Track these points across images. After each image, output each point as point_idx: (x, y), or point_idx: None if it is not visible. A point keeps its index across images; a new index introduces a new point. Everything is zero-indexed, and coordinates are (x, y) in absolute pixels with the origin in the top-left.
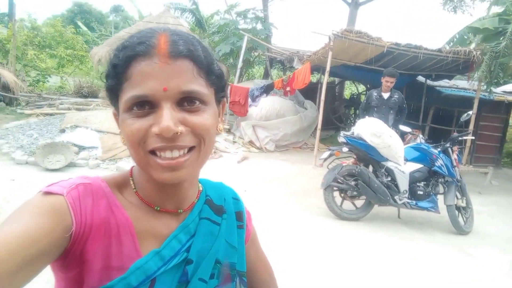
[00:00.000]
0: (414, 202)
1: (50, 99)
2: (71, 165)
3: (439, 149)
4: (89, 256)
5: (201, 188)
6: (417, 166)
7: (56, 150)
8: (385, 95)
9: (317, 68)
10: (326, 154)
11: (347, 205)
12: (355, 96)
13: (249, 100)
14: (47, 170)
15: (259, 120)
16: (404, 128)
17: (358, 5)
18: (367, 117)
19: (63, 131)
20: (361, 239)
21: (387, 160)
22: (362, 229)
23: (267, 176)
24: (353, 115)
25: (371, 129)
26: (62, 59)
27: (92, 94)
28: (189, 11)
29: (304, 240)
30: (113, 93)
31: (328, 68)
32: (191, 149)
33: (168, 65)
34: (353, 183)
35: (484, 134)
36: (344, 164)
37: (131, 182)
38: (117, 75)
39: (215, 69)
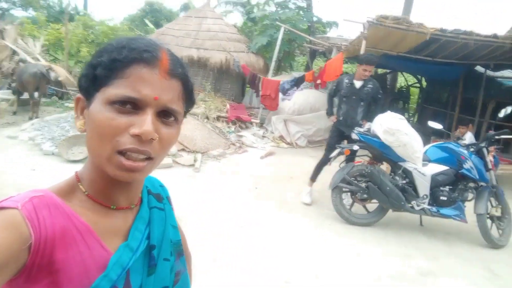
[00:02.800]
0: (435, 208)
1: None
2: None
3: (472, 149)
4: (60, 265)
5: None
6: (442, 168)
7: (81, 142)
8: (357, 84)
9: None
10: (335, 152)
11: (359, 208)
12: (404, 89)
13: (280, 94)
14: (69, 161)
15: (291, 114)
16: (433, 124)
17: None
18: (330, 102)
19: None
20: (367, 249)
21: (404, 160)
22: (372, 236)
23: (288, 173)
24: (402, 109)
25: (384, 125)
26: None
27: None
28: (240, 4)
29: (297, 246)
30: (96, 81)
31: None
32: (150, 158)
33: (165, 80)
34: (363, 184)
35: None
36: (356, 164)
37: (81, 187)
38: (112, 69)
39: (193, 96)
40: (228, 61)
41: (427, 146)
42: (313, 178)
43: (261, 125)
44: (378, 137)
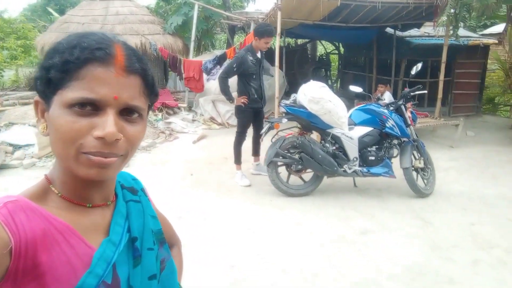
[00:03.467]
0: (366, 169)
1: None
2: (3, 166)
3: (391, 108)
4: (45, 268)
5: None
6: (367, 129)
7: None
8: (259, 55)
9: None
10: (265, 128)
11: (296, 180)
12: (324, 57)
13: (204, 74)
14: None
15: (218, 94)
16: (354, 88)
17: None
18: (227, 85)
19: None
20: (309, 218)
21: (332, 127)
22: (312, 205)
23: (223, 154)
24: (324, 77)
25: (309, 95)
26: (14, 50)
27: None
28: None
29: (239, 228)
30: (50, 84)
31: (278, 30)
32: (120, 155)
33: (123, 77)
34: (297, 156)
35: (461, 82)
36: (287, 136)
37: (53, 189)
38: (65, 71)
39: (155, 89)
40: (144, 45)
41: (351, 110)
42: (237, 161)
43: (189, 108)
44: (304, 107)
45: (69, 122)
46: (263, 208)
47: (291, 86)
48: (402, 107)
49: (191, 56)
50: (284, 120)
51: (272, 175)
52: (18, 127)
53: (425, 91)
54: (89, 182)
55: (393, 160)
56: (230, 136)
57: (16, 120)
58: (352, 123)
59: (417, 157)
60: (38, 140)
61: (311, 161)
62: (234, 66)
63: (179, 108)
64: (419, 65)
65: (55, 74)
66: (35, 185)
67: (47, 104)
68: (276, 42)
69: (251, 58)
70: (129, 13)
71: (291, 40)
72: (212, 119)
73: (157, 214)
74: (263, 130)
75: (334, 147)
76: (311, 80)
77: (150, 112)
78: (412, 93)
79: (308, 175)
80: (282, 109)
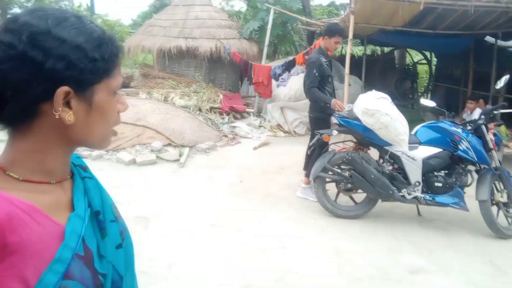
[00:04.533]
0: (430, 197)
1: None
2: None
3: (468, 128)
4: (15, 247)
5: None
6: (434, 150)
7: None
8: (329, 57)
9: (358, 37)
10: (315, 139)
11: (347, 199)
12: (410, 67)
13: (273, 80)
14: None
15: (287, 101)
16: (426, 102)
17: None
18: (319, 92)
19: None
20: (350, 246)
21: (390, 144)
22: (359, 230)
23: (280, 163)
24: (410, 89)
25: (362, 106)
26: None
27: (124, 85)
28: None
29: (274, 246)
30: (98, 74)
31: (350, 35)
32: None
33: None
34: (347, 173)
35: None
36: (340, 151)
37: (12, 174)
38: (113, 61)
39: None
40: (218, 50)
41: (417, 127)
42: (308, 175)
43: (258, 114)
44: (359, 120)
45: (114, 106)
46: (303, 226)
47: None
48: (483, 127)
49: (264, 62)
50: (335, 132)
51: (318, 192)
52: None
53: (511, 110)
54: (66, 154)
55: (468, 189)
56: (294, 145)
57: None
58: (416, 142)
59: (499, 189)
60: None
61: (362, 180)
62: (315, 72)
63: (249, 113)
64: (505, 78)
65: (105, 64)
66: None
67: (82, 93)
68: (348, 48)
69: (324, 59)
70: (208, 18)
71: (377, 48)
72: (279, 126)
73: None
74: (312, 142)
75: (392, 167)
76: (373, 90)
77: (217, 115)
78: (495, 111)
79: (360, 195)
80: (335, 120)
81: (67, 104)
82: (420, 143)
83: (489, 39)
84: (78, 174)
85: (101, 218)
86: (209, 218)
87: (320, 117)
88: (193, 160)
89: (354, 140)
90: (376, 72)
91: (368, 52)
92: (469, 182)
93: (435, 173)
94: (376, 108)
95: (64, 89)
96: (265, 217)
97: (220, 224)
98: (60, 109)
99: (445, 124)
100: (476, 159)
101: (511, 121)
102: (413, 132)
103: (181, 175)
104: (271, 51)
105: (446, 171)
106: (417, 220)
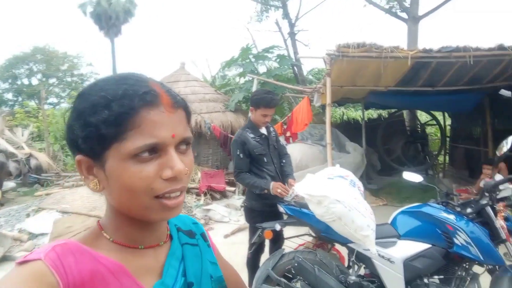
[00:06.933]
0: None
1: (67, 177)
2: (7, 258)
3: (469, 211)
4: None
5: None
6: (420, 246)
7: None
8: (264, 131)
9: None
10: (255, 237)
11: None
12: (418, 128)
13: None
14: None
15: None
16: (409, 176)
17: (417, 19)
18: (250, 178)
19: (28, 215)
20: None
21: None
22: None
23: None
24: (420, 153)
25: (304, 191)
26: None
27: None
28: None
29: None
30: (103, 140)
31: (328, 100)
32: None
33: (173, 114)
34: (298, 285)
35: None
36: (287, 251)
37: (105, 234)
38: (120, 124)
39: (191, 118)
40: (199, 124)
41: (395, 212)
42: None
43: (243, 192)
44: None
45: (136, 172)
46: None
47: (383, 165)
48: (488, 209)
49: None
50: (278, 227)
51: None
52: (46, 213)
53: None
54: (145, 224)
55: None
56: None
57: (49, 205)
58: (394, 234)
59: None
60: (53, 229)
61: None
62: (238, 153)
63: (233, 191)
64: (510, 139)
65: (109, 129)
66: (87, 231)
67: (97, 160)
68: (327, 114)
69: (252, 135)
70: (190, 93)
71: (383, 112)
72: None
73: (220, 262)
74: (253, 240)
75: (361, 275)
76: (329, 166)
77: (193, 196)
78: (501, 186)
79: None
80: (281, 209)
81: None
82: (400, 237)
83: (504, 92)
84: (179, 240)
85: None
86: None
87: (257, 207)
88: None
89: (313, 234)
90: (379, 137)
91: (375, 115)
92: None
93: (425, 280)
94: (322, 194)
95: (78, 157)
96: None
97: None
98: (83, 177)
99: (432, 209)
100: (482, 258)
101: None
102: (389, 221)
103: None
104: None
105: (442, 276)
106: None
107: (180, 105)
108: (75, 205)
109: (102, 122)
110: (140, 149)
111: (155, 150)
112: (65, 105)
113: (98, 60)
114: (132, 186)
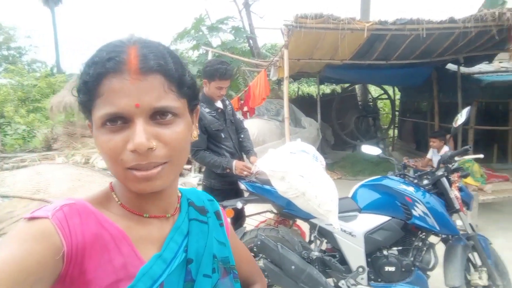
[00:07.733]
0: (381, 286)
1: (6, 158)
2: None
3: (426, 183)
4: (91, 275)
5: (179, 194)
6: (380, 219)
7: None
8: (220, 105)
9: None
10: None
11: None
12: (370, 103)
13: None
14: None
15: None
16: (368, 149)
17: None
18: (210, 156)
19: None
20: None
21: (315, 217)
22: None
23: None
24: (372, 127)
25: (267, 167)
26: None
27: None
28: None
29: None
30: (86, 107)
31: (286, 73)
32: (164, 163)
33: (139, 81)
34: (261, 262)
35: None
36: (248, 229)
37: (114, 196)
38: (88, 91)
39: (186, 80)
40: None
41: (355, 186)
42: None
43: (199, 170)
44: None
45: (105, 141)
46: None
47: (337, 140)
48: (444, 181)
49: None
50: (239, 205)
51: None
52: None
53: (481, 155)
54: (145, 194)
55: (432, 273)
56: None
57: None
58: (355, 208)
59: (476, 266)
60: None
61: (278, 274)
62: (202, 128)
63: (189, 169)
64: (465, 111)
65: (82, 97)
66: (100, 190)
67: (92, 126)
68: (285, 88)
69: (207, 110)
70: None
71: (337, 87)
72: None
73: (233, 243)
74: None
75: (322, 250)
76: (288, 141)
77: None
78: (456, 157)
79: None
80: (242, 186)
81: None
82: (360, 210)
83: (451, 66)
84: (187, 215)
85: (190, 268)
86: None
87: (216, 185)
88: None
89: (274, 210)
90: (332, 112)
91: (329, 91)
92: (433, 261)
93: (385, 252)
94: (285, 169)
95: (87, 122)
96: None
97: None
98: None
99: (391, 181)
100: (438, 228)
101: (487, 151)
102: (350, 195)
103: None
104: None
105: (400, 248)
106: None
107: (153, 70)
108: (16, 188)
109: (78, 90)
110: (102, 118)
111: (123, 119)
112: (2, 80)
113: (38, 32)
114: (104, 155)
